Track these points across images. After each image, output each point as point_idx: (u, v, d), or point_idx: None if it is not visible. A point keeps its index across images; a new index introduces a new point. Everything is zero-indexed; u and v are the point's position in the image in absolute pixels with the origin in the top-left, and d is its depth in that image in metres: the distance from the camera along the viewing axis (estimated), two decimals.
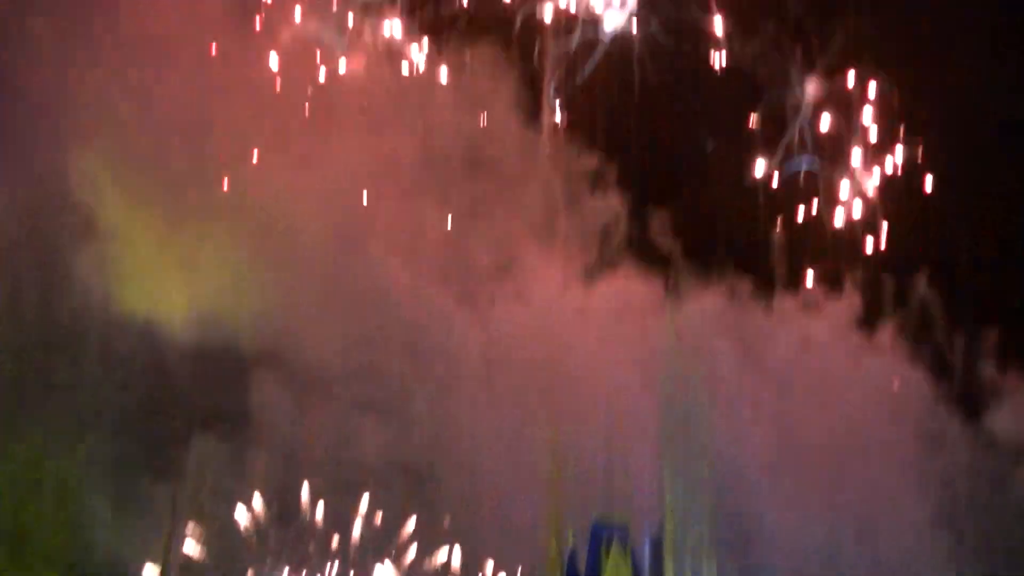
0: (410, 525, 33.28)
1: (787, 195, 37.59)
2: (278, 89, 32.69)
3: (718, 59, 35.41)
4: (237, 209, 32.60)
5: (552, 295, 35.74)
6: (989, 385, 57.08)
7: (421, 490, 33.97)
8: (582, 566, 34.24)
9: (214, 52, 32.10)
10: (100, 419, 33.35)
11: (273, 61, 32.55)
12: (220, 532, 32.91)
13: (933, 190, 39.02)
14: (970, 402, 56.76)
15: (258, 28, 32.25)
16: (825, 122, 36.85)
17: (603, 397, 35.72)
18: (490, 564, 33.73)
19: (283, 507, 33.27)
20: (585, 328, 36.12)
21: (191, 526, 32.51)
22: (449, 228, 33.99)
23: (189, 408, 33.83)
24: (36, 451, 32.24)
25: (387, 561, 33.13)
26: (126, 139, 31.80)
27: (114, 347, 33.12)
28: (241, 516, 32.66)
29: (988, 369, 57.65)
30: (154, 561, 32.24)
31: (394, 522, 33.20)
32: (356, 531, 33.23)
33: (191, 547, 32.65)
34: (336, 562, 33.23)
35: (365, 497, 33.05)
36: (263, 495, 33.15)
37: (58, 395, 33.21)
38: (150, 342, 32.86)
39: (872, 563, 58.53)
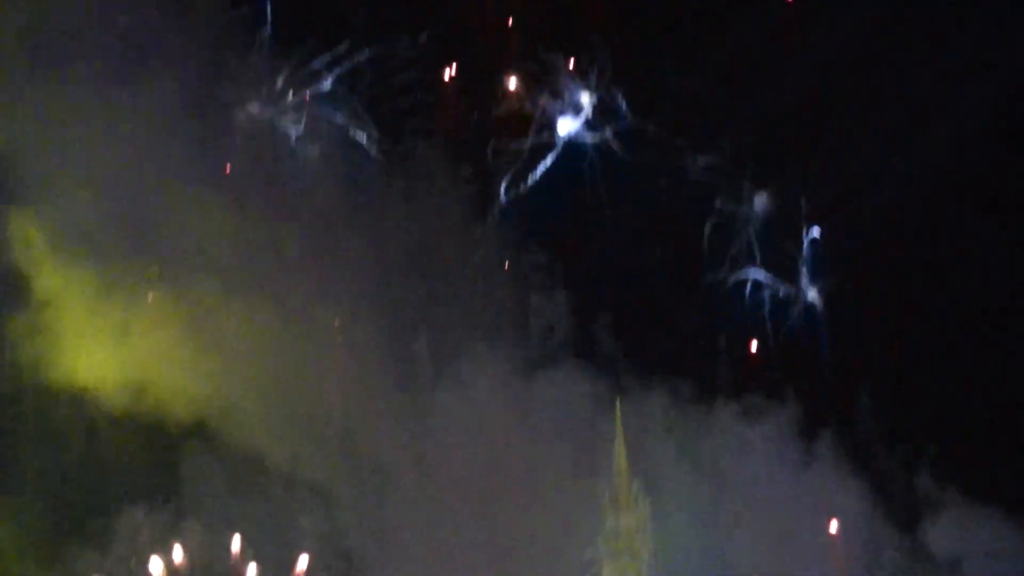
0: None
1: (733, 303, 37.92)
2: (227, 173, 32.95)
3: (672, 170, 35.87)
4: (172, 283, 32.82)
5: (493, 389, 35.79)
6: (927, 498, 56.72)
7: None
8: None
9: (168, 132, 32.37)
10: (31, 483, 33.33)
11: (227, 147, 32.86)
12: None
13: (878, 303, 39.39)
14: (907, 515, 56.48)
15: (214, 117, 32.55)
16: (774, 235, 37.32)
17: (542, 492, 35.76)
18: None
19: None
20: (525, 423, 36.17)
21: None
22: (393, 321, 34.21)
23: (120, 476, 33.79)
24: None
25: None
26: (68, 207, 32.01)
27: (46, 412, 33.18)
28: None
29: (926, 483, 57.15)
30: None
31: None
32: None
33: None
34: None
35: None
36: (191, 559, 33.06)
37: None
38: (82, 409, 32.97)
39: None
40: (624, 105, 34.38)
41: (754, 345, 38.71)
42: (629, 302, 37.44)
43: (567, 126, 35.19)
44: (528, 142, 34.84)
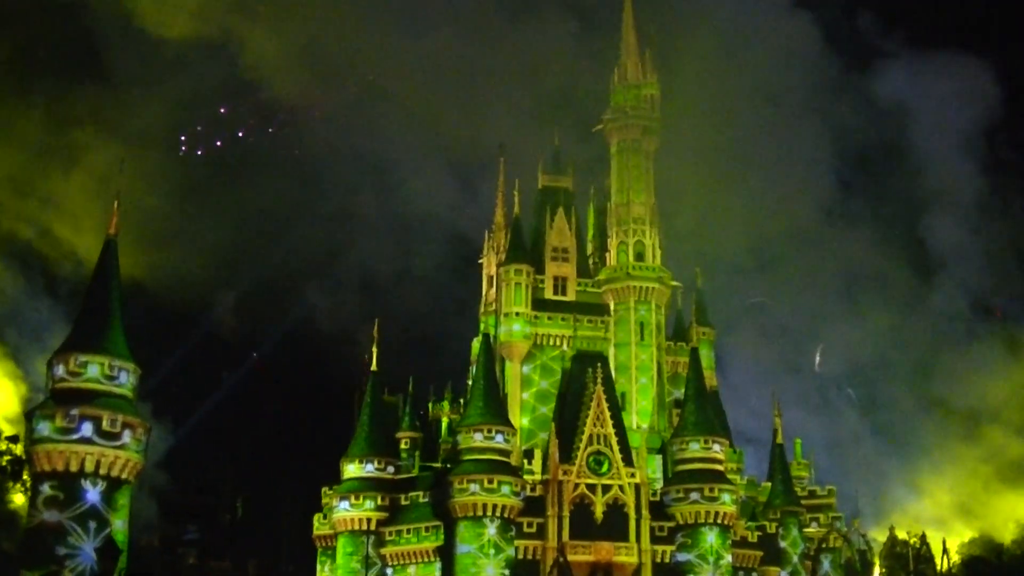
0: None
1: None
2: None
3: None
4: None
5: None
6: (872, 45, 57.64)
7: None
8: None
9: None
10: None
11: None
12: None
13: None
14: (856, 58, 57.27)
15: None
16: None
17: None
18: None
19: None
20: None
21: None
22: None
23: None
24: None
25: None
26: None
27: None
28: None
29: (870, 26, 57.97)
30: None
31: None
32: None
33: None
34: None
35: None
36: None
37: None
38: None
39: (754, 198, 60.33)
40: None
41: None
42: None
43: None
44: None
